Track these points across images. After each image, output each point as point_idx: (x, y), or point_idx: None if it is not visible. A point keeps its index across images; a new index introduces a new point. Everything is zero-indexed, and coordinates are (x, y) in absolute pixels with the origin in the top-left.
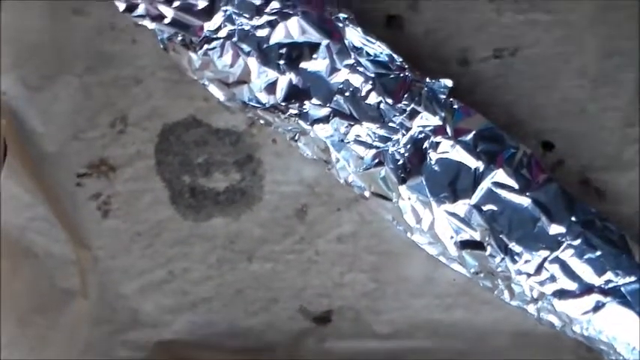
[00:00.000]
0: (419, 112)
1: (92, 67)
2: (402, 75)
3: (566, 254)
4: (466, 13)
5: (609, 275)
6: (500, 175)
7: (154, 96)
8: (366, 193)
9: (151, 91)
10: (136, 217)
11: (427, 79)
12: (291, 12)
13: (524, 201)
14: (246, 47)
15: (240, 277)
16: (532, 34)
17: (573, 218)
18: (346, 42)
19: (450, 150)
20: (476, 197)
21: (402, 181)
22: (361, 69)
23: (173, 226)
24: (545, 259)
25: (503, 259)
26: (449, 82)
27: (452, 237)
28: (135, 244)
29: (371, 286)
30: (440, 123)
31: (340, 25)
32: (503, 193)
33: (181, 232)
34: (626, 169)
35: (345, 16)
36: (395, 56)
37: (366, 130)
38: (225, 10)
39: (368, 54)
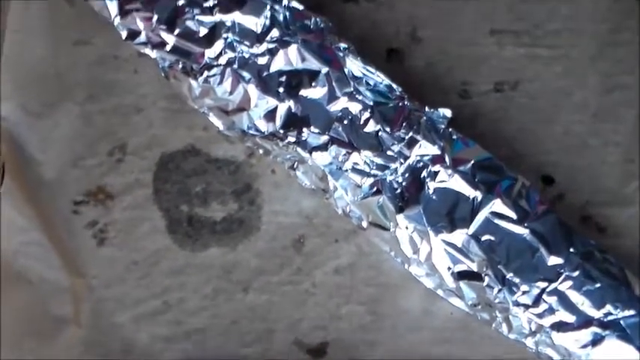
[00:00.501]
0: (417, 141)
1: (94, 96)
2: (401, 104)
3: (565, 286)
4: (467, 46)
5: (608, 308)
6: (498, 205)
7: (154, 125)
8: (364, 223)
9: (151, 119)
10: (133, 245)
11: (426, 109)
12: (291, 40)
13: (523, 231)
14: (246, 74)
15: (236, 307)
16: (533, 68)
17: (572, 249)
18: (346, 71)
19: (448, 179)
20: (474, 227)
21: (400, 209)
22: (360, 97)
23: (170, 255)
24: (543, 291)
25: (501, 289)
26: (448, 112)
27: (449, 267)
28: (130, 273)
29: (368, 319)
30: (438, 152)
31: (340, 54)
32: (502, 223)
33: (178, 262)
34: (627, 204)
35: (345, 46)
36: (394, 86)
37: (364, 158)
38: (226, 38)
39: (367, 83)
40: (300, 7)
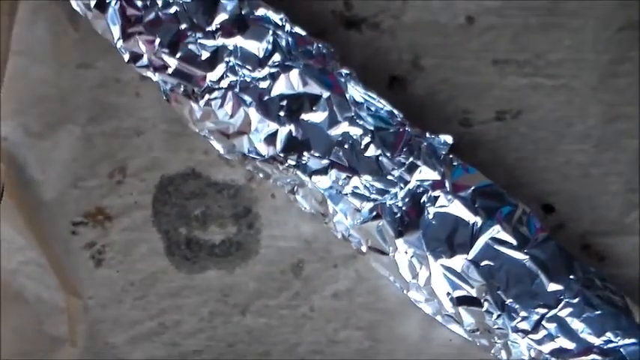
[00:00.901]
0: (418, 166)
1: (95, 118)
2: (401, 130)
3: (565, 312)
4: (469, 75)
5: (609, 335)
6: (498, 230)
7: (154, 147)
8: (363, 248)
9: (152, 142)
10: (131, 267)
11: (427, 135)
12: (293, 65)
13: (523, 257)
14: (247, 98)
15: (233, 330)
16: (535, 98)
17: (572, 276)
18: (347, 96)
19: (448, 204)
20: (473, 252)
21: (399, 234)
22: (361, 122)
23: (167, 277)
24: (543, 317)
25: (500, 315)
26: (449, 139)
27: (448, 293)
28: (127, 295)
29: (366, 344)
30: (439, 178)
31: (342, 79)
32: (502, 249)
33: (175, 284)
34: (628, 234)
35: (347, 72)
36: (395, 112)
37: (364, 182)
38: (228, 62)
39: (368, 109)
40: (303, 32)
